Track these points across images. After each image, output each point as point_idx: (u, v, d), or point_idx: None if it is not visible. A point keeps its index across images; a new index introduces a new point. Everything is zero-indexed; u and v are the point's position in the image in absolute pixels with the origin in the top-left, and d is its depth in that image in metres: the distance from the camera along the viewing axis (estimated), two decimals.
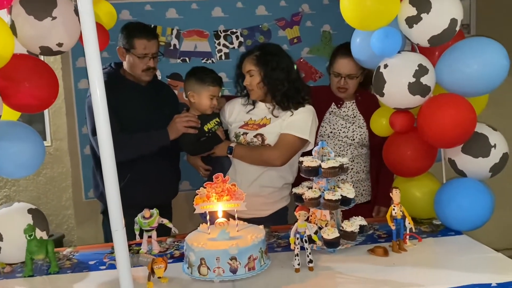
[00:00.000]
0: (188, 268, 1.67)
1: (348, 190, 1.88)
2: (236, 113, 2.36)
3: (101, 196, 2.43)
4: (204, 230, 1.76)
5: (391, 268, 1.71)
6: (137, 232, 1.94)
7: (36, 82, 1.86)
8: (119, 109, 2.18)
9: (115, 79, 2.32)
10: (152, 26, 3.05)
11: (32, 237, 1.76)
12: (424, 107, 1.98)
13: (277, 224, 2.21)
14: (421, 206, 2.16)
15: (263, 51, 2.24)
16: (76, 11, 1.80)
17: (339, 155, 2.39)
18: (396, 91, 1.95)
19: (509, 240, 3.51)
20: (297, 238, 1.70)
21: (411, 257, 1.80)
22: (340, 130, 2.48)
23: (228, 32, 3.23)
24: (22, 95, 1.84)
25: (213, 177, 1.75)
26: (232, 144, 2.25)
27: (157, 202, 2.13)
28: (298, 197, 1.95)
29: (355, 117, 2.50)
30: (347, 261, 1.78)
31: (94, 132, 2.14)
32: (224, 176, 1.75)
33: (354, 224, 1.87)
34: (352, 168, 2.48)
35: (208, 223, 1.75)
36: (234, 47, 3.24)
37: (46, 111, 3.25)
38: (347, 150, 2.47)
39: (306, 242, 1.70)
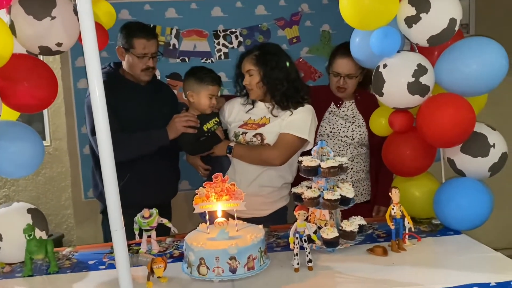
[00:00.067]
0: (187, 267, 1.67)
1: (347, 190, 1.88)
2: (235, 113, 2.36)
3: (101, 196, 2.43)
4: (204, 230, 1.76)
5: (390, 268, 1.71)
6: (136, 232, 1.94)
7: (35, 82, 1.86)
8: (118, 109, 2.18)
9: (114, 79, 2.32)
10: (152, 25, 3.05)
11: (31, 237, 1.76)
12: (423, 107, 1.98)
13: (276, 223, 2.21)
14: (420, 205, 2.17)
15: (263, 51, 2.24)
16: (75, 11, 1.80)
17: (338, 155, 2.39)
18: (395, 90, 1.95)
19: (508, 239, 3.51)
20: (297, 238, 1.70)
21: (410, 257, 1.81)
22: (340, 129, 2.48)
23: (228, 32, 3.23)
24: (21, 95, 1.84)
25: (213, 176, 1.75)
26: (232, 144, 2.25)
27: (157, 201, 2.13)
28: (298, 197, 1.95)
29: (354, 116, 2.51)
30: (347, 260, 1.78)
31: (93, 132, 2.15)
32: (224, 176, 1.75)
33: (353, 223, 1.87)
34: (351, 168, 2.48)
35: (208, 223, 1.75)
36: (233, 47, 3.24)
37: (45, 111, 3.25)
38: (346, 149, 2.48)
39: (305, 241, 1.71)
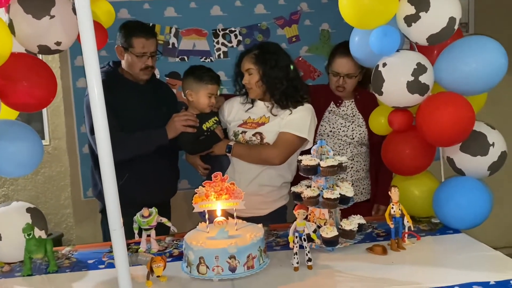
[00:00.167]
0: (187, 267, 1.67)
1: (347, 189, 1.88)
2: (235, 112, 2.36)
3: (100, 195, 2.43)
4: (203, 229, 1.76)
5: (389, 267, 1.71)
6: (136, 231, 1.94)
7: (34, 81, 1.86)
8: (118, 108, 2.18)
9: (113, 78, 2.32)
10: (151, 24, 3.04)
11: (30, 236, 1.75)
12: (423, 106, 1.98)
13: (276, 223, 2.21)
14: (420, 204, 2.17)
15: (262, 50, 2.24)
16: (74, 10, 1.80)
17: (338, 154, 2.39)
18: (394, 89, 1.95)
19: (508, 238, 3.52)
20: (296, 237, 1.70)
21: (410, 256, 1.81)
22: (340, 129, 2.48)
23: (227, 31, 3.22)
24: (20, 94, 1.84)
25: (212, 176, 1.75)
26: (231, 143, 2.25)
27: (156, 201, 2.13)
28: (297, 196, 1.95)
29: (354, 116, 2.51)
30: (346, 259, 1.78)
31: (92, 131, 2.13)
32: (223, 175, 1.75)
33: (352, 222, 1.87)
34: (351, 167, 2.48)
35: (207, 222, 1.75)
36: (232, 46, 3.23)
37: (44, 110, 3.25)
38: (346, 149, 2.48)
39: (305, 240, 1.71)
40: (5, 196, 3.33)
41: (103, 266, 1.84)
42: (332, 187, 1.90)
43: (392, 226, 1.85)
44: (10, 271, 1.84)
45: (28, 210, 1.93)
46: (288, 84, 2.21)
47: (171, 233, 2.05)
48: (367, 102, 2.46)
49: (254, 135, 2.24)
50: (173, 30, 3.17)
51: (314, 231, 1.78)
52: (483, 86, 1.95)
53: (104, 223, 2.49)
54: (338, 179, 2.00)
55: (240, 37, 3.24)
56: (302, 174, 1.94)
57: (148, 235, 1.95)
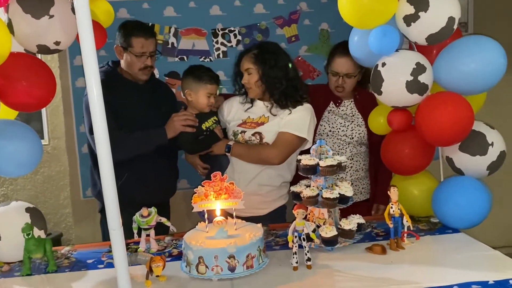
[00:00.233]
0: (186, 266, 1.67)
1: (346, 189, 1.88)
2: (234, 112, 2.36)
3: (99, 195, 2.42)
4: (202, 229, 1.76)
5: (389, 266, 1.71)
6: (135, 231, 1.94)
7: (33, 81, 1.85)
8: (117, 108, 2.18)
9: (112, 78, 2.32)
10: (150, 24, 3.04)
11: (30, 236, 1.75)
12: (422, 106, 1.98)
13: (275, 222, 2.21)
14: (419, 204, 2.17)
15: (261, 49, 2.24)
16: (73, 10, 1.80)
17: (337, 154, 2.39)
18: (394, 89, 1.95)
19: (507, 238, 3.53)
20: (295, 236, 1.70)
21: (409, 255, 1.81)
22: (339, 128, 2.48)
23: (226, 31, 3.22)
24: (20, 93, 1.83)
25: (211, 175, 1.75)
26: (230, 143, 2.25)
27: (155, 200, 2.13)
28: (296, 196, 1.95)
29: (353, 115, 2.51)
30: (345, 259, 1.78)
31: (91, 131, 2.13)
32: (222, 175, 1.75)
33: (352, 222, 1.87)
34: (351, 167, 2.48)
35: (206, 222, 1.75)
36: (232, 46, 3.23)
37: (43, 110, 3.25)
38: (346, 148, 2.48)
39: (304, 240, 1.71)
40: (4, 195, 3.33)
41: (102, 265, 1.84)
42: (331, 186, 1.90)
43: (391, 225, 1.85)
44: (9, 270, 1.84)
45: (27, 209, 1.93)
46: (287, 84, 2.21)
47: (171, 232, 2.05)
48: (366, 102, 2.46)
49: (253, 134, 2.24)
50: (173, 29, 3.17)
51: (313, 231, 1.78)
52: (482, 85, 1.95)
53: (103, 222, 2.49)
54: (337, 178, 2.00)
55: (239, 37, 3.24)
56: (302, 173, 1.94)
57: (148, 235, 1.95)
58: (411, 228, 1.89)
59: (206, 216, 1.75)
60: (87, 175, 2.62)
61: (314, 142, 2.15)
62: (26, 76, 1.84)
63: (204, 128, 2.27)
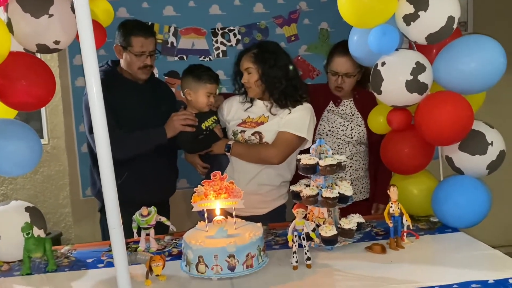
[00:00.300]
0: (186, 266, 1.67)
1: (345, 188, 1.88)
2: (234, 111, 2.36)
3: (99, 194, 2.42)
4: (202, 228, 1.76)
5: (388, 265, 1.71)
6: (135, 230, 1.93)
7: (33, 80, 1.85)
8: (116, 107, 2.18)
9: (112, 77, 2.31)
10: (149, 23, 3.03)
11: (29, 235, 1.75)
12: (422, 105, 1.98)
13: (275, 222, 2.22)
14: (419, 203, 2.17)
15: (261, 49, 2.24)
16: (72, 9, 1.79)
17: (337, 153, 2.39)
18: (393, 88, 1.95)
19: (506, 237, 3.53)
20: (295, 236, 1.70)
21: (409, 254, 1.81)
22: (339, 128, 2.48)
23: (226, 30, 3.22)
24: (19, 93, 1.83)
25: (211, 175, 1.75)
26: (230, 142, 2.25)
27: (155, 200, 2.13)
28: (296, 195, 1.95)
29: (353, 115, 2.51)
30: (345, 258, 1.78)
31: (91, 130, 2.13)
32: (222, 174, 1.75)
33: (351, 221, 1.87)
34: (350, 166, 2.49)
35: (206, 221, 1.75)
36: (231, 45, 3.23)
37: (43, 109, 3.24)
38: (345, 148, 2.48)
39: (304, 239, 1.71)
40: (4, 195, 3.32)
41: (102, 265, 1.84)
42: (331, 186, 1.91)
43: (391, 225, 1.85)
44: (9, 270, 1.84)
45: (27, 209, 1.93)
46: (287, 83, 2.21)
47: (170, 232, 2.05)
48: (366, 101, 2.46)
49: (253, 134, 2.24)
50: (172, 29, 3.16)
51: (313, 230, 1.78)
52: (482, 85, 1.95)
53: (103, 222, 2.49)
54: (337, 178, 2.01)
55: (239, 36, 3.23)
56: (301, 173, 1.95)
57: (147, 234, 1.95)
58: (411, 228, 1.89)
59: (205, 215, 1.75)
60: (86, 175, 2.62)
61: (313, 142, 2.15)
62: (26, 75, 1.84)
63: (204, 128, 2.27)
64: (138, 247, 1.94)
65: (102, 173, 1.31)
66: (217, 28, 3.22)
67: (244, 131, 2.27)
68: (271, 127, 2.23)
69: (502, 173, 2.19)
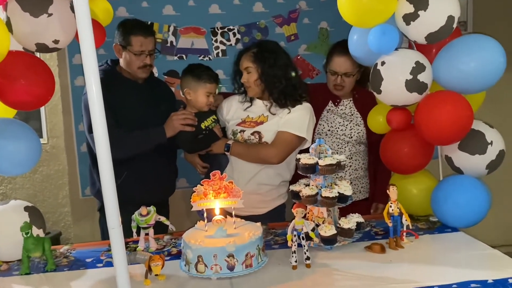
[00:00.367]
0: (185, 265, 1.67)
1: (345, 188, 1.88)
2: (233, 111, 2.35)
3: (98, 194, 2.42)
4: (201, 228, 1.76)
5: (388, 265, 1.71)
6: (134, 230, 1.93)
7: (32, 79, 1.85)
8: (116, 107, 2.18)
9: (111, 76, 2.31)
10: (149, 23, 3.03)
11: (28, 235, 1.75)
12: (421, 104, 1.98)
13: (274, 221, 2.22)
14: (418, 203, 2.17)
15: (261, 48, 2.24)
16: (72, 8, 1.79)
17: (336, 153, 2.39)
18: (393, 88, 1.95)
19: (506, 236, 3.53)
20: (294, 235, 1.70)
21: (408, 254, 1.81)
22: (338, 128, 2.48)
23: (225, 29, 3.22)
24: (18, 92, 1.83)
25: (210, 174, 1.75)
26: (230, 142, 2.25)
27: (154, 199, 2.13)
28: (295, 195, 1.95)
29: (352, 115, 2.50)
30: (344, 258, 1.78)
31: (90, 130, 2.14)
32: (221, 174, 1.75)
33: (351, 221, 1.87)
34: (350, 166, 2.48)
35: (205, 221, 1.75)
36: (231, 44, 3.23)
37: (42, 109, 3.24)
38: (344, 147, 2.48)
39: (303, 239, 1.71)
40: (3, 194, 3.32)
41: (101, 264, 1.84)
42: (331, 185, 1.91)
43: (390, 224, 1.85)
44: (8, 269, 1.84)
45: (26, 208, 1.92)
46: (286, 83, 2.21)
47: (170, 231, 2.05)
48: (365, 101, 2.46)
49: (252, 134, 2.24)
50: (172, 28, 3.16)
51: (313, 230, 1.78)
52: (481, 84, 1.95)
53: (102, 221, 2.49)
54: (336, 177, 2.01)
55: (238, 36, 3.23)
56: (301, 172, 1.94)
57: (147, 234, 1.95)
58: (410, 227, 1.89)
59: (205, 215, 1.75)
60: (86, 174, 2.62)
61: (313, 141, 2.15)
62: (25, 74, 1.83)
63: (203, 127, 2.27)
64: (138, 246, 1.94)
65: (102, 172, 1.30)
66: (217, 28, 3.21)
67: (243, 131, 2.27)
68: (270, 127, 2.22)
69: (502, 172, 2.19)
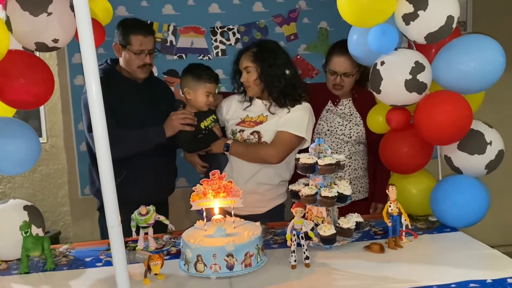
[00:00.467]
0: (184, 264, 1.67)
1: (344, 187, 1.88)
2: (233, 110, 2.35)
3: (97, 193, 2.42)
4: (201, 227, 1.76)
5: (387, 265, 1.71)
6: (133, 229, 1.93)
7: (31, 78, 1.85)
8: (115, 106, 2.18)
9: (111, 76, 2.31)
10: (149, 22, 3.03)
11: (28, 234, 1.75)
12: (421, 104, 1.98)
13: (273, 221, 2.22)
14: (417, 203, 2.17)
15: (260, 48, 2.24)
16: (71, 7, 1.79)
17: (336, 153, 2.39)
18: (392, 88, 1.95)
19: (505, 236, 3.53)
20: (294, 235, 1.70)
21: (407, 254, 1.81)
22: (337, 127, 2.48)
23: (225, 29, 3.22)
24: (18, 91, 1.83)
25: (210, 174, 1.75)
26: (229, 141, 2.25)
27: (154, 198, 2.13)
28: (295, 194, 1.95)
29: (351, 114, 2.51)
30: (344, 257, 1.78)
31: (90, 129, 2.14)
32: (221, 173, 1.75)
33: (350, 221, 1.87)
34: (349, 165, 2.49)
35: (205, 220, 1.75)
36: (231, 44, 3.23)
37: (41, 108, 3.24)
38: (344, 147, 2.48)
39: (302, 238, 1.71)
40: (2, 193, 3.32)
41: (100, 264, 1.84)
42: (330, 185, 1.91)
43: (389, 224, 1.85)
44: (7, 269, 1.84)
45: (26, 208, 1.93)
46: (286, 83, 2.21)
47: (169, 231, 2.05)
48: (364, 101, 2.46)
49: (252, 133, 2.24)
50: (171, 27, 3.16)
51: (312, 229, 1.78)
52: (481, 84, 1.95)
53: (101, 220, 2.49)
54: (336, 177, 2.01)
55: (238, 35, 3.23)
56: (300, 172, 1.95)
57: (146, 233, 1.95)
58: (409, 227, 1.89)
59: (204, 214, 1.75)
60: (85, 173, 2.62)
61: (312, 141, 2.15)
62: (24, 73, 1.83)
63: (203, 127, 2.27)
64: (137, 246, 1.94)
65: (101, 172, 1.30)
66: (216, 27, 3.21)
67: (243, 130, 2.27)
68: (270, 127, 2.22)
69: (501, 172, 2.20)
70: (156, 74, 2.95)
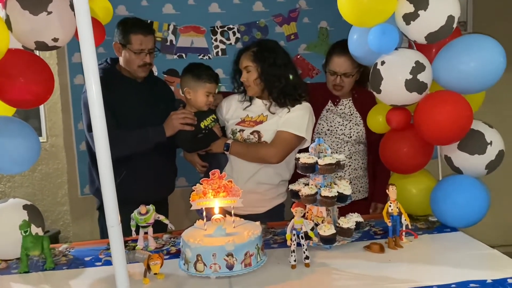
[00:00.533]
0: (184, 264, 1.67)
1: (344, 187, 1.88)
2: (233, 110, 2.35)
3: (97, 192, 2.42)
4: (201, 227, 1.76)
5: (387, 265, 1.71)
6: (133, 228, 1.93)
7: (31, 78, 1.85)
8: (115, 105, 2.18)
9: (111, 75, 2.31)
10: (149, 21, 3.03)
11: (27, 233, 1.75)
12: (421, 104, 1.98)
13: (273, 220, 2.22)
14: (417, 202, 2.17)
15: (260, 47, 2.23)
16: (71, 6, 1.79)
17: (336, 152, 2.39)
18: (393, 88, 1.95)
19: (505, 236, 3.53)
20: (294, 235, 1.70)
21: (407, 254, 1.81)
22: (337, 127, 2.48)
23: (225, 28, 3.22)
24: (17, 90, 1.83)
25: (210, 173, 1.74)
26: (229, 141, 2.25)
27: (154, 198, 2.13)
28: (295, 194, 1.95)
29: (351, 114, 2.50)
30: (343, 257, 1.78)
31: (89, 128, 2.14)
32: (221, 173, 1.75)
33: (350, 220, 1.87)
34: (349, 165, 2.48)
35: (205, 220, 1.75)
36: (231, 43, 3.23)
37: (41, 107, 3.23)
38: (344, 147, 2.48)
39: (302, 238, 1.71)
40: (1, 193, 3.32)
41: (100, 263, 1.84)
42: (330, 185, 1.90)
43: (389, 224, 1.85)
44: (6, 268, 1.84)
45: (25, 207, 1.92)
46: (286, 82, 2.20)
47: (169, 230, 2.05)
48: (365, 101, 2.46)
49: (252, 133, 2.24)
50: (171, 27, 3.16)
51: (312, 229, 1.78)
52: (481, 84, 1.95)
53: (101, 220, 2.49)
54: (336, 177, 2.01)
55: (238, 35, 3.23)
56: (300, 172, 1.94)
57: (146, 233, 1.95)
58: (410, 227, 1.89)
59: (204, 214, 1.75)
60: (85, 173, 2.61)
61: (312, 141, 2.15)
62: (24, 72, 1.83)
63: (203, 127, 2.27)
64: (137, 245, 1.94)
65: (101, 171, 1.30)
66: (217, 27, 3.21)
67: (243, 130, 2.26)
68: (270, 126, 2.22)
69: (501, 172, 2.19)
70: (156, 73, 2.95)
